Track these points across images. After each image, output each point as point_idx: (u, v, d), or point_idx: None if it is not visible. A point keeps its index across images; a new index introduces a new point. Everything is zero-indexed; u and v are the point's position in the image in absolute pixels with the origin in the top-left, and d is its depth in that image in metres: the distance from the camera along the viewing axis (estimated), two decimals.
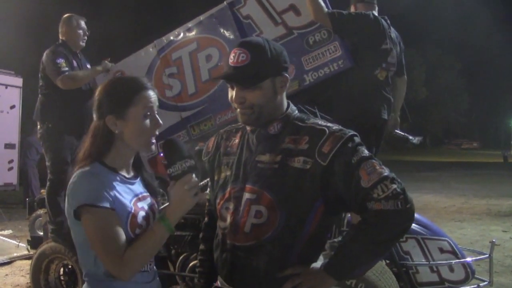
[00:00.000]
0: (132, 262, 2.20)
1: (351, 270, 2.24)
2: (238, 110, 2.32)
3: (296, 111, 2.42)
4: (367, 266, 2.29)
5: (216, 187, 2.50)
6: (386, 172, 2.14)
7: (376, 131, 5.02)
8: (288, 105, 2.41)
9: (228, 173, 2.44)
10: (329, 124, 2.29)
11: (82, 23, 6.39)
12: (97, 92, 2.42)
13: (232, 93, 2.32)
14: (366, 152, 2.19)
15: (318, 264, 2.32)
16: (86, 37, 6.43)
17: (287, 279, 2.25)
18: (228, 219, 2.36)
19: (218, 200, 2.46)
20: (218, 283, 2.47)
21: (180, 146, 2.27)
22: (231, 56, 2.26)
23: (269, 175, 2.27)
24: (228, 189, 2.40)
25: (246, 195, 2.31)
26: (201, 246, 2.75)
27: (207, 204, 2.76)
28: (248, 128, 2.42)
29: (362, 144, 2.23)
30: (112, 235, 2.19)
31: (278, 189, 2.24)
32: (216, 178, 2.53)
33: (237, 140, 2.50)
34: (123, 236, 2.22)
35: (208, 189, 2.72)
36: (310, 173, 2.19)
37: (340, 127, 2.28)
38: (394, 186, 2.11)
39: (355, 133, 2.26)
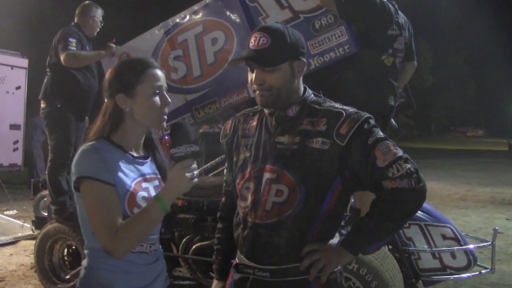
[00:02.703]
0: (125, 240, 2.22)
1: (367, 245, 2.35)
2: (257, 92, 2.40)
3: (312, 95, 2.50)
4: (382, 241, 2.42)
5: (235, 168, 2.57)
6: (400, 152, 2.26)
7: (382, 118, 4.99)
8: (305, 89, 2.50)
9: (247, 154, 2.51)
10: (345, 107, 2.39)
11: (99, 14, 6.48)
12: (107, 75, 2.46)
13: (251, 76, 2.40)
14: (381, 134, 2.30)
15: (335, 240, 2.42)
16: (98, 28, 6.51)
17: (306, 256, 2.34)
18: (249, 198, 2.44)
19: (238, 181, 2.54)
20: (237, 260, 2.53)
21: (189, 130, 2.33)
22: (252, 40, 2.35)
23: (289, 156, 2.35)
24: (248, 169, 2.48)
25: (266, 175, 2.39)
26: (219, 225, 2.84)
27: (224, 185, 2.81)
28: (266, 111, 2.50)
29: (377, 126, 2.33)
30: (107, 209, 2.23)
31: (297, 169, 2.33)
32: (235, 159, 2.60)
33: (254, 123, 2.57)
34: (119, 213, 2.26)
35: (225, 171, 2.78)
36: (328, 153, 2.28)
37: (356, 109, 2.37)
38: (408, 165, 2.23)
39: (370, 115, 2.34)
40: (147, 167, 2.51)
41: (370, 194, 2.36)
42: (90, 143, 2.34)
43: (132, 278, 2.37)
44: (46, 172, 6.34)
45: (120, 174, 2.31)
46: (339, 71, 5.07)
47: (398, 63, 5.15)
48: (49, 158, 6.27)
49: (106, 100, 2.45)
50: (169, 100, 2.46)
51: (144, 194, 2.39)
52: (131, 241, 2.26)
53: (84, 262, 2.39)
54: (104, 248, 2.25)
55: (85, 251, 2.40)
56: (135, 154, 2.46)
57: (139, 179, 2.40)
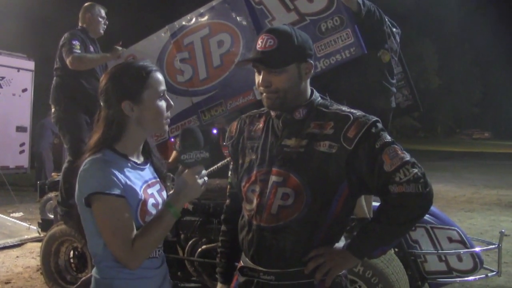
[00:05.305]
0: (141, 251, 2.22)
1: (373, 250, 2.34)
2: (264, 94, 2.38)
3: (320, 98, 2.48)
4: (388, 246, 2.41)
5: (241, 170, 2.55)
6: (407, 157, 2.25)
7: (380, 118, 4.97)
8: (312, 92, 2.47)
9: (254, 156, 2.49)
10: (352, 110, 2.37)
11: (103, 12, 6.50)
12: (103, 81, 2.41)
13: (258, 78, 2.38)
14: (388, 138, 2.28)
15: (340, 244, 2.40)
16: (105, 26, 6.51)
17: (311, 259, 2.32)
18: (255, 201, 2.42)
19: (243, 183, 2.51)
20: (242, 263, 2.51)
21: (199, 136, 2.32)
22: (259, 42, 2.33)
23: (296, 159, 2.33)
24: (254, 172, 2.45)
25: (273, 178, 2.37)
26: (223, 227, 2.81)
27: (228, 187, 2.79)
28: (272, 113, 2.47)
29: (384, 130, 2.32)
30: (122, 224, 2.21)
31: (304, 172, 2.30)
32: (240, 161, 2.57)
33: (261, 125, 2.55)
34: (133, 225, 2.24)
35: (230, 173, 2.75)
36: (336, 157, 2.26)
37: (363, 113, 2.35)
38: (415, 170, 2.23)
39: (378, 119, 2.33)
40: (148, 172, 2.49)
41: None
42: (97, 156, 2.30)
43: (147, 282, 2.36)
44: (62, 172, 6.34)
45: (130, 185, 2.28)
46: (343, 72, 5.07)
47: (394, 65, 5.18)
48: (67, 160, 6.26)
49: (104, 108, 2.41)
50: (172, 103, 2.45)
51: (153, 200, 2.38)
52: (147, 251, 2.27)
53: (95, 273, 2.36)
54: (119, 261, 2.23)
55: (95, 263, 2.37)
56: (137, 161, 2.44)
57: (144, 186, 2.38)
